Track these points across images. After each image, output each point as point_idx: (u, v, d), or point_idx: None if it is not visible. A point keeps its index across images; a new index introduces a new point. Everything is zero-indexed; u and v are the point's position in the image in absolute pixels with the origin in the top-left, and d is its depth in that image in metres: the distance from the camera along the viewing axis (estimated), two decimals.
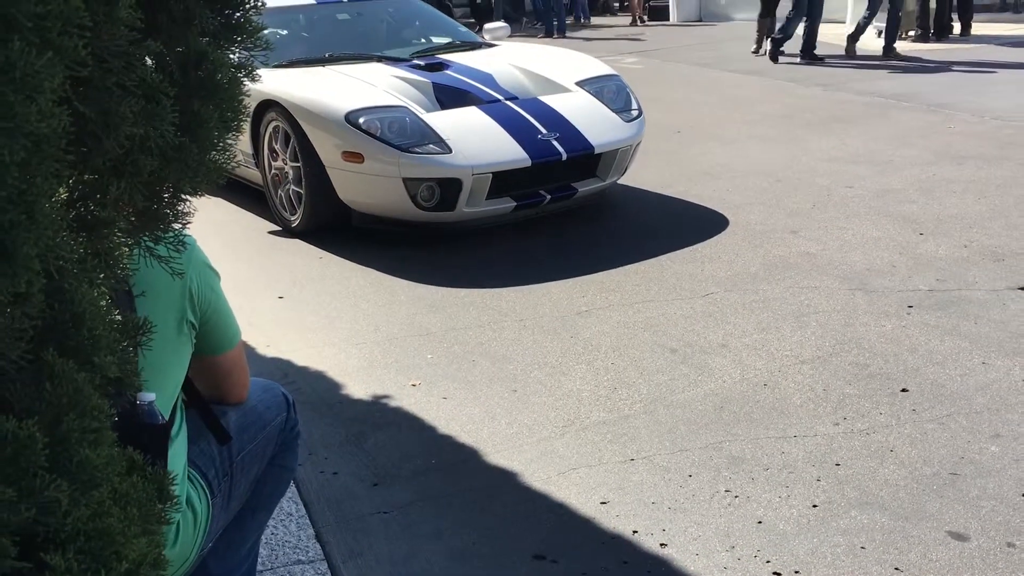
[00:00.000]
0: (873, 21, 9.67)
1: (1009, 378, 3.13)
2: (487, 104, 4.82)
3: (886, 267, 4.15)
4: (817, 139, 6.49)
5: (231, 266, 4.06)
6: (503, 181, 4.53)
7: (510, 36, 6.62)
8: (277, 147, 4.87)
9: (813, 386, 3.14)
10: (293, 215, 4.90)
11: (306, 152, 4.64)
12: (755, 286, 4.02)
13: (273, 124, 4.82)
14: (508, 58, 5.45)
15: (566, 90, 5.09)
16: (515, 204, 4.63)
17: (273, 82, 4.73)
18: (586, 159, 4.78)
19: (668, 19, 14.93)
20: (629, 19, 15.12)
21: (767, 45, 10.07)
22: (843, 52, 9.91)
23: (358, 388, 3.29)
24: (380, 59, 5.32)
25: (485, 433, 2.95)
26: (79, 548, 0.75)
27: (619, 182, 5.24)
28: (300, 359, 3.54)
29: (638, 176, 5.55)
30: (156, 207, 0.99)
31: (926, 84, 8.27)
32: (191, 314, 1.63)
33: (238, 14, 1.02)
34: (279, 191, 4.95)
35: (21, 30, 0.64)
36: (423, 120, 4.54)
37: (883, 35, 9.69)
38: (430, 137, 4.47)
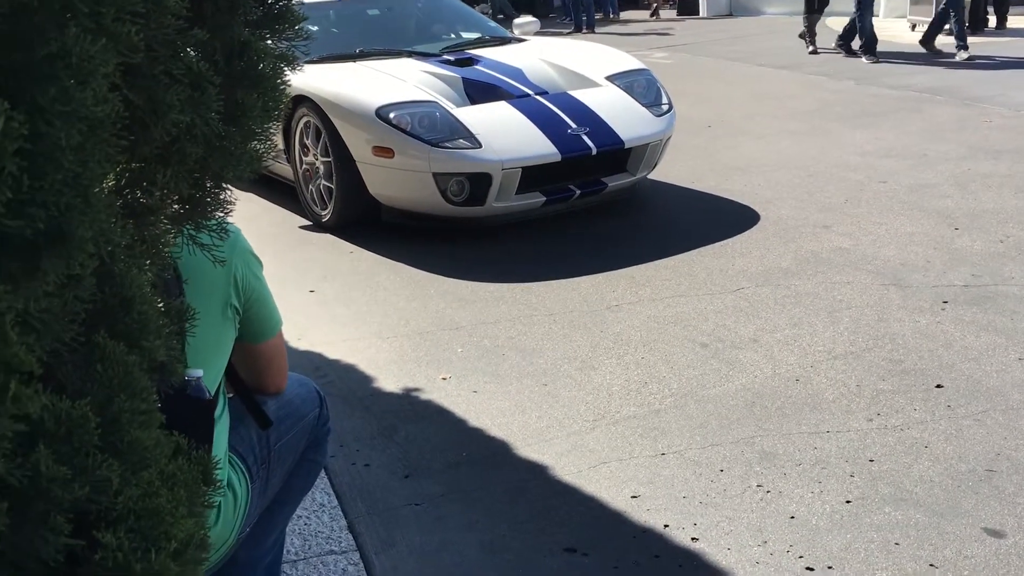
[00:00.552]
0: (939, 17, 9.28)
1: None
2: (517, 99, 4.82)
3: (920, 262, 4.11)
4: (850, 133, 6.43)
5: (262, 260, 4.09)
6: (533, 176, 4.54)
7: (538, 31, 6.61)
8: (308, 142, 4.91)
9: (846, 381, 3.12)
10: (324, 210, 4.93)
11: (337, 147, 4.67)
12: (787, 281, 3.99)
13: (304, 119, 4.86)
14: (537, 53, 5.44)
15: (596, 84, 5.08)
16: (545, 199, 4.63)
17: (304, 78, 4.75)
18: (616, 154, 4.77)
19: (698, 13, 14.84)
20: (649, 11, 15.06)
21: (836, 41, 9.73)
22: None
23: (389, 381, 3.31)
24: (410, 54, 5.34)
25: (515, 427, 2.95)
26: (129, 527, 0.77)
27: (649, 177, 5.22)
28: (331, 352, 3.56)
29: (668, 171, 5.53)
30: (200, 195, 1.00)
31: (960, 78, 8.16)
32: (235, 299, 1.65)
33: (280, 4, 1.03)
34: (310, 186, 4.99)
35: (78, 15, 0.66)
36: (453, 115, 4.55)
37: (931, 28, 9.37)
38: (460, 132, 4.48)
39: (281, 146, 5.08)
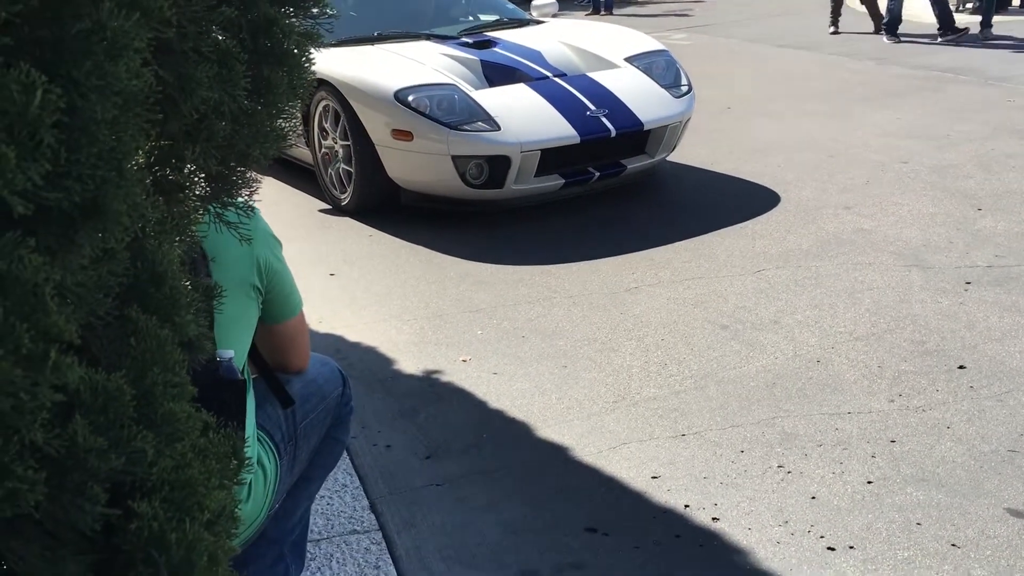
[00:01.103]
0: None
1: None
2: (535, 81, 4.81)
3: (943, 243, 4.08)
4: (871, 114, 6.37)
5: (283, 244, 4.11)
6: (552, 158, 4.53)
7: (557, 13, 6.57)
8: (327, 126, 4.91)
9: (868, 363, 3.11)
10: (343, 193, 4.94)
11: (356, 130, 4.68)
12: (807, 262, 3.97)
13: (323, 103, 4.86)
14: (556, 35, 5.42)
15: (615, 66, 5.05)
16: (564, 181, 4.62)
17: (323, 61, 4.74)
18: (635, 135, 4.75)
19: None
20: None
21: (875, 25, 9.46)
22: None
23: (409, 363, 3.32)
24: (428, 37, 5.33)
25: (535, 408, 2.96)
26: (164, 497, 0.78)
27: (668, 159, 5.20)
28: (352, 335, 3.58)
29: (688, 153, 5.50)
30: (227, 173, 1.01)
31: (983, 57, 8.06)
32: (258, 280, 1.66)
33: None
34: (329, 170, 5.00)
35: None
36: (472, 98, 4.54)
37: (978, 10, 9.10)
38: (479, 115, 4.47)
39: (300, 129, 5.09)
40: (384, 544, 2.36)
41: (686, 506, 2.44)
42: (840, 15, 9.78)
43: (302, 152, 5.21)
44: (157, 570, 0.77)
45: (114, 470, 0.75)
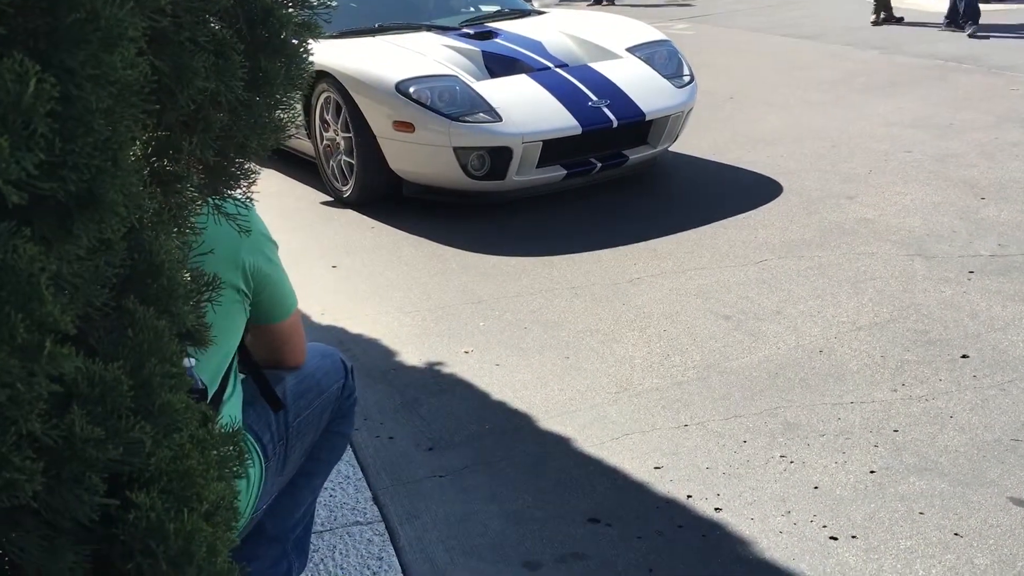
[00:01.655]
0: None
1: None
2: (537, 72, 4.80)
3: (946, 232, 4.06)
4: (874, 103, 6.35)
5: (284, 236, 4.08)
6: (553, 149, 4.52)
7: (559, 3, 6.55)
8: (328, 118, 4.91)
9: (870, 352, 3.10)
10: (345, 185, 4.94)
11: (357, 122, 4.67)
12: (810, 252, 3.96)
13: (324, 95, 4.86)
14: (557, 25, 5.40)
15: (616, 56, 5.04)
16: (566, 172, 4.61)
17: (324, 53, 4.75)
18: (637, 126, 4.74)
19: None
20: None
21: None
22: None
23: (412, 355, 3.33)
24: (429, 28, 5.31)
25: (538, 399, 2.97)
26: (162, 488, 0.78)
27: (670, 149, 5.19)
28: (354, 327, 3.58)
29: (690, 143, 5.49)
30: (225, 164, 1.01)
31: (986, 46, 8.02)
32: (243, 283, 1.64)
33: None
34: (331, 162, 4.99)
35: None
36: (473, 89, 4.54)
37: None
38: (480, 106, 4.46)
39: (301, 121, 5.08)
40: (387, 535, 2.36)
41: (688, 496, 2.44)
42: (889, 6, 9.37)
43: (304, 144, 5.20)
44: (155, 560, 0.77)
45: (112, 460, 0.75)
